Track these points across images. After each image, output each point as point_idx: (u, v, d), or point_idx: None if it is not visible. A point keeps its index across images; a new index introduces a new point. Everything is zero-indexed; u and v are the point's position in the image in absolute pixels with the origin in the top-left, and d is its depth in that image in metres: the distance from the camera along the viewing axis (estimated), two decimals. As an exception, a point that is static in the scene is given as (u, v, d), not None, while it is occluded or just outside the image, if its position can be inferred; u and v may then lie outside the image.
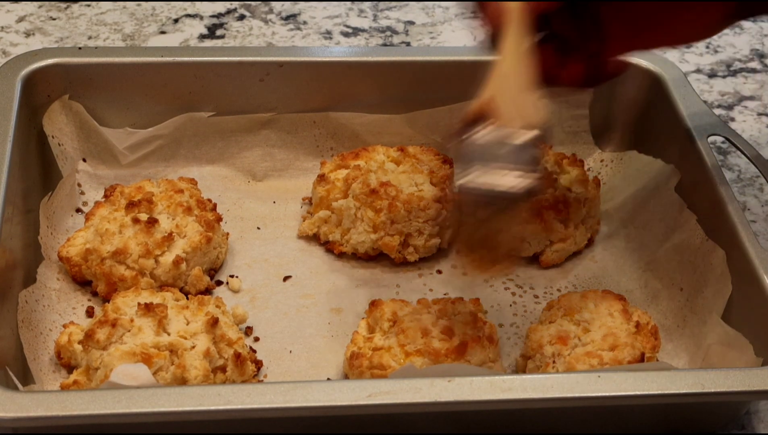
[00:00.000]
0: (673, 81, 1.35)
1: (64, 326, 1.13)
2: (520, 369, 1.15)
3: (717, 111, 1.56)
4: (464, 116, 1.02)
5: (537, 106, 1.02)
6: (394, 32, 1.69)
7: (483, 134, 1.00)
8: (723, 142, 1.48)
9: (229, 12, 1.70)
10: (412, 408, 0.97)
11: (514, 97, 1.02)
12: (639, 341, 1.11)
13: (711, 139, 1.31)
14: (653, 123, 1.38)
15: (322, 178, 1.31)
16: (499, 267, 1.12)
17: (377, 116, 1.39)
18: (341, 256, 1.29)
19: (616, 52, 1.11)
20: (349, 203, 1.27)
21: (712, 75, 1.65)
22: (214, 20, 1.68)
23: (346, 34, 1.68)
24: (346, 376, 1.13)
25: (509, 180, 0.99)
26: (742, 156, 1.28)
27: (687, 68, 1.64)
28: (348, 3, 1.75)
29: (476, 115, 1.02)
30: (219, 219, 1.26)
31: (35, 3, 1.68)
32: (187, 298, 1.16)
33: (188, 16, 1.69)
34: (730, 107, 1.58)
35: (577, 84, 1.11)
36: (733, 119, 1.56)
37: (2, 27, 1.62)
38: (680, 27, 1.08)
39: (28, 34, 1.61)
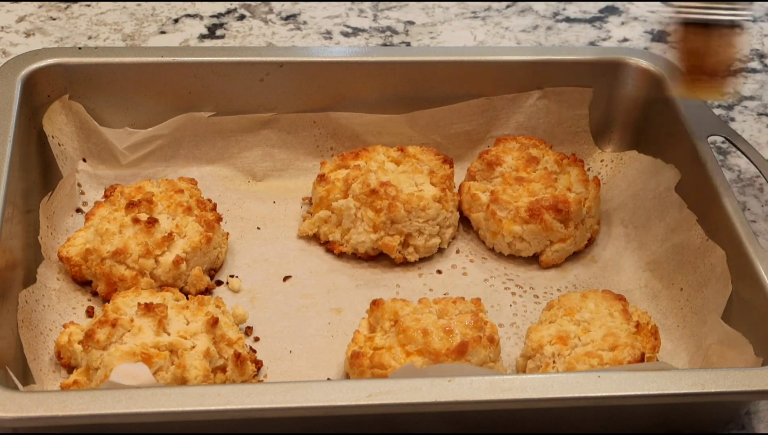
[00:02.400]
0: (674, 81, 1.35)
1: (64, 326, 1.13)
2: (520, 369, 1.15)
3: (717, 111, 1.56)
4: None
5: None
6: (394, 32, 1.69)
7: None
8: (723, 142, 1.48)
9: (229, 12, 1.70)
10: (412, 408, 0.97)
11: None
12: (639, 341, 1.11)
13: (711, 139, 1.31)
14: (653, 123, 1.38)
15: (322, 178, 1.31)
16: (715, 82, 1.17)
17: (377, 116, 1.39)
18: (341, 256, 1.29)
19: None
20: (349, 203, 1.27)
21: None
22: (214, 20, 1.68)
23: (346, 34, 1.68)
24: (346, 375, 1.13)
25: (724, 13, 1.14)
26: (742, 156, 1.28)
27: (687, 68, 1.64)
28: (348, 3, 1.75)
29: None
30: (219, 219, 1.26)
31: (35, 3, 1.68)
32: (187, 298, 1.16)
33: (188, 16, 1.69)
34: (730, 107, 1.58)
35: None
36: (733, 119, 1.56)
37: (2, 27, 1.62)
38: None
39: (28, 34, 1.61)
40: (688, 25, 1.15)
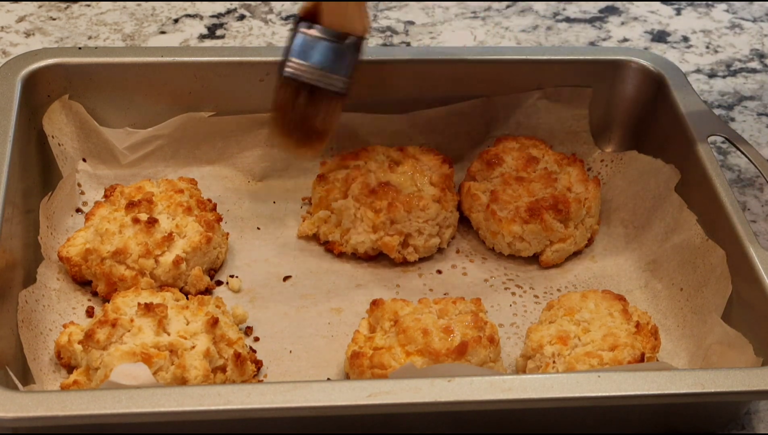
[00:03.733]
0: (673, 81, 1.35)
1: (64, 326, 1.13)
2: (520, 369, 1.15)
3: (717, 111, 1.56)
4: (299, 11, 1.20)
5: (360, 12, 1.19)
6: (394, 32, 1.69)
7: (312, 32, 1.19)
8: (723, 142, 1.48)
9: (229, 12, 1.70)
10: (412, 408, 0.97)
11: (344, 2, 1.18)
12: (639, 341, 1.11)
13: (711, 139, 1.31)
14: (653, 123, 1.38)
15: (321, 178, 1.31)
16: (307, 149, 1.23)
17: (377, 116, 1.39)
18: (341, 256, 1.29)
19: None
20: (349, 203, 1.27)
21: (712, 75, 1.65)
22: (214, 20, 1.68)
23: (346, 34, 1.67)
24: (346, 375, 1.13)
25: (330, 79, 1.19)
26: (742, 156, 1.28)
27: (687, 68, 1.65)
28: (348, 3, 1.74)
29: (308, 11, 1.19)
30: (219, 219, 1.26)
31: (35, 3, 1.68)
32: (187, 298, 1.16)
33: (188, 16, 1.69)
34: (730, 107, 1.58)
35: None
36: (733, 119, 1.56)
37: (2, 27, 1.62)
38: None
39: (28, 34, 1.61)
40: (289, 81, 1.20)
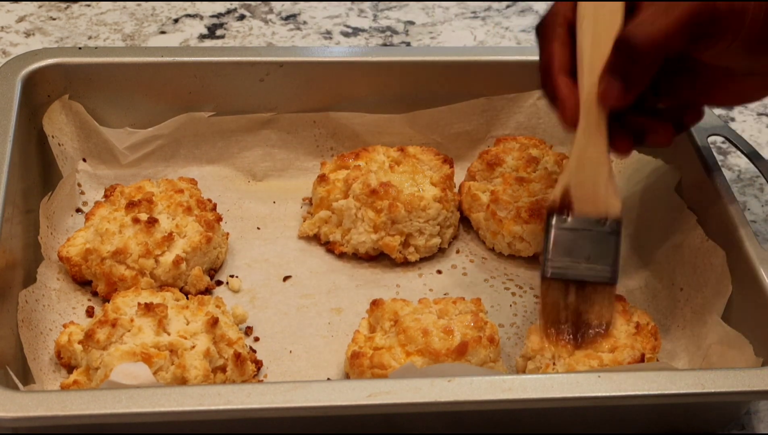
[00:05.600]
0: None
1: (64, 326, 1.13)
2: (520, 369, 1.15)
3: (717, 111, 1.56)
4: (548, 205, 1.11)
5: (612, 195, 1.09)
6: (394, 32, 1.69)
7: (567, 225, 1.10)
8: (723, 142, 1.48)
9: (229, 12, 1.70)
10: (412, 408, 0.97)
11: (592, 187, 1.09)
12: (639, 342, 1.11)
13: (711, 139, 1.31)
14: (653, 123, 1.38)
15: (322, 178, 1.31)
16: (587, 348, 1.11)
17: (377, 116, 1.39)
18: (341, 256, 1.29)
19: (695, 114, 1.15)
20: (350, 203, 1.27)
21: (712, 75, 1.65)
22: (214, 20, 1.68)
23: (346, 34, 1.68)
24: (346, 375, 1.13)
25: (593, 271, 1.10)
26: (742, 156, 1.28)
27: (687, 68, 1.64)
28: (348, 3, 1.75)
29: (556, 204, 1.10)
30: (219, 219, 1.26)
31: (35, 3, 1.68)
32: (187, 298, 1.16)
33: (188, 16, 1.69)
34: (730, 107, 1.58)
35: (664, 144, 1.12)
36: (733, 119, 1.56)
37: (2, 27, 1.62)
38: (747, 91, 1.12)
39: (28, 34, 1.61)
40: (553, 280, 1.11)
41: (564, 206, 1.10)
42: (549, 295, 1.11)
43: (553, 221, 1.10)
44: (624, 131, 1.08)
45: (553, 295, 1.11)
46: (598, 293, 1.11)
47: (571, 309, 1.11)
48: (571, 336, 1.11)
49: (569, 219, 1.10)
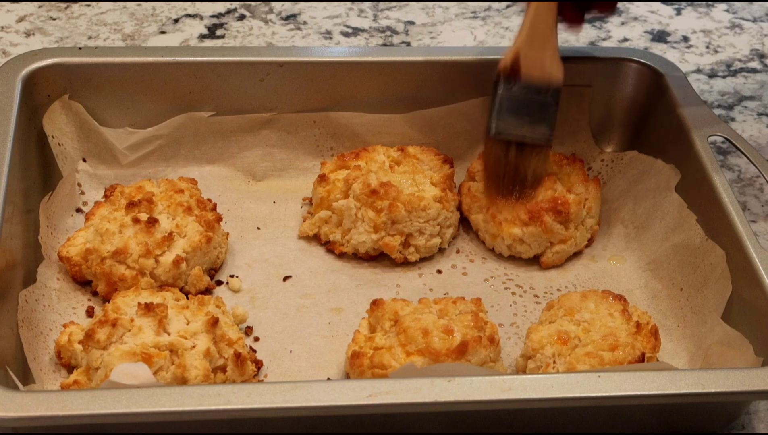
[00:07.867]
0: (674, 81, 1.35)
1: (64, 326, 1.13)
2: (520, 369, 1.15)
3: (717, 111, 1.56)
4: (499, 67, 1.24)
5: (556, 64, 1.23)
6: (394, 32, 1.69)
7: (514, 91, 1.23)
8: (723, 142, 1.48)
9: (229, 12, 1.70)
10: (412, 408, 0.97)
11: (540, 54, 1.23)
12: (639, 341, 1.11)
13: (711, 139, 1.31)
14: (653, 123, 1.38)
15: (322, 178, 1.31)
16: (519, 199, 1.26)
17: (377, 116, 1.39)
18: (342, 256, 1.29)
19: None
20: (350, 203, 1.27)
21: (712, 75, 1.65)
22: (214, 20, 1.68)
23: (346, 34, 1.68)
24: (346, 375, 1.13)
25: (533, 133, 1.24)
26: (742, 156, 1.28)
27: (687, 68, 1.65)
28: (348, 3, 1.75)
29: (507, 67, 1.23)
30: (219, 219, 1.26)
31: (35, 3, 1.68)
32: (187, 298, 1.16)
33: (188, 16, 1.69)
34: (730, 107, 1.58)
35: (610, 9, 1.30)
36: (733, 119, 1.56)
37: (2, 27, 1.62)
38: None
39: (28, 34, 1.61)
40: (496, 139, 1.25)
41: (513, 70, 1.23)
42: (492, 153, 1.26)
43: (502, 85, 1.24)
44: (572, 4, 1.22)
45: (496, 153, 1.25)
46: (535, 153, 1.25)
47: (511, 165, 1.25)
48: (510, 189, 1.26)
49: (515, 86, 1.23)
